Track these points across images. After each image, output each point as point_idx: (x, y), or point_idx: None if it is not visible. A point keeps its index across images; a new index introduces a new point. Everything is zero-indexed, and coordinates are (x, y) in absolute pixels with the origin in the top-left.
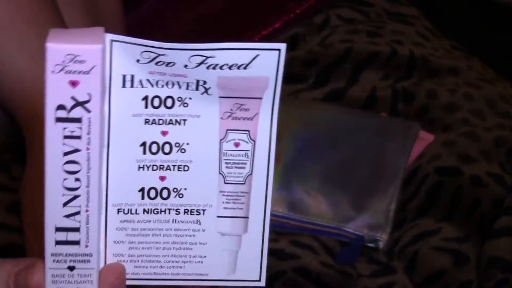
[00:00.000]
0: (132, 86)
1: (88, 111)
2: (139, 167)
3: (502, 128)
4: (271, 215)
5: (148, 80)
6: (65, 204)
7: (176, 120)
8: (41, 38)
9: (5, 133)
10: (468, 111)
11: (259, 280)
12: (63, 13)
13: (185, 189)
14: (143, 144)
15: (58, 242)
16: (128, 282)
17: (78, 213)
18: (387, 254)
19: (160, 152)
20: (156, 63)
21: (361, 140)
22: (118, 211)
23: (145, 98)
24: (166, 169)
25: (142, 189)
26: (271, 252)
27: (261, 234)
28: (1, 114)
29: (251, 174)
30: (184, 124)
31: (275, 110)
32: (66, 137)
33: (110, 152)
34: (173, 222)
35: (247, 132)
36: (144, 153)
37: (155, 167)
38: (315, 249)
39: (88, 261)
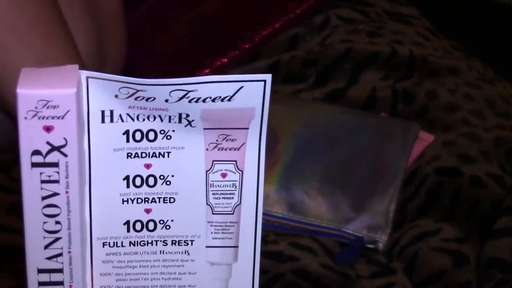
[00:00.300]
0: (111, 121)
1: (65, 155)
2: (123, 201)
3: (502, 128)
4: (271, 216)
5: (128, 114)
6: (46, 247)
7: (159, 153)
8: (45, 40)
9: (5, 134)
10: (468, 111)
11: None
12: (64, 13)
13: (172, 220)
14: (126, 178)
15: (41, 284)
16: None
17: (60, 254)
18: (387, 255)
19: (144, 185)
20: (136, 98)
21: (361, 141)
22: (104, 244)
23: (126, 132)
24: (152, 202)
25: (127, 222)
26: (270, 255)
27: (251, 262)
28: (2, 115)
29: (239, 204)
30: (168, 156)
31: (263, 139)
32: (43, 181)
33: (92, 188)
34: (160, 253)
35: (234, 162)
36: (128, 186)
37: (139, 200)
38: (314, 250)
39: None
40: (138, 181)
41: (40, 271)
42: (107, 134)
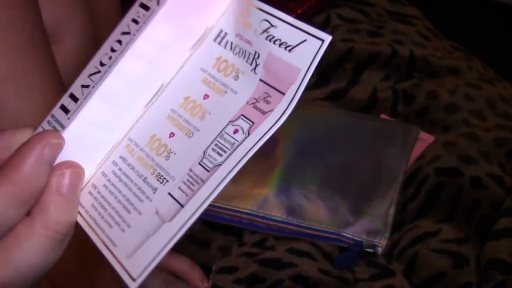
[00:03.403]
0: (219, 43)
1: None
2: (167, 116)
3: (502, 129)
4: (270, 219)
5: (231, 42)
6: None
7: (220, 89)
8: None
9: None
10: (468, 111)
11: (134, 280)
12: (60, 6)
13: (175, 154)
14: (187, 98)
15: None
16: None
17: None
18: (387, 256)
19: (188, 111)
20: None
21: (360, 144)
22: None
23: (218, 58)
24: (178, 127)
25: (153, 136)
26: (268, 263)
27: (175, 230)
28: None
29: (220, 165)
30: (223, 95)
31: (286, 114)
32: None
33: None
34: (142, 179)
35: (251, 124)
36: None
37: (171, 119)
38: (313, 255)
39: None
40: (190, 104)
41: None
42: (209, 51)
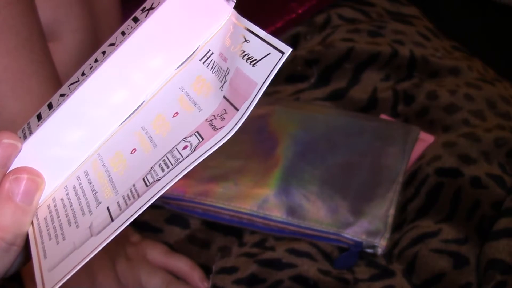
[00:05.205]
0: (204, 62)
1: None
2: (136, 133)
3: (502, 129)
4: (270, 220)
5: (214, 61)
6: None
7: (190, 107)
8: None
9: None
10: (468, 111)
11: None
12: (58, 5)
13: (128, 169)
14: (159, 115)
15: None
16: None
17: None
18: (387, 257)
19: (156, 129)
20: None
21: (360, 144)
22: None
23: (198, 77)
24: (141, 144)
25: (118, 152)
26: (268, 263)
27: (97, 244)
28: None
29: (158, 181)
30: (191, 112)
31: (234, 130)
32: None
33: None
34: (93, 193)
35: (200, 140)
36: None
37: (138, 136)
38: (312, 255)
39: None
40: (160, 121)
41: None
42: (194, 71)
